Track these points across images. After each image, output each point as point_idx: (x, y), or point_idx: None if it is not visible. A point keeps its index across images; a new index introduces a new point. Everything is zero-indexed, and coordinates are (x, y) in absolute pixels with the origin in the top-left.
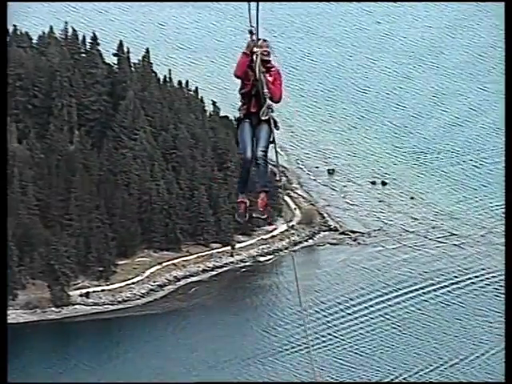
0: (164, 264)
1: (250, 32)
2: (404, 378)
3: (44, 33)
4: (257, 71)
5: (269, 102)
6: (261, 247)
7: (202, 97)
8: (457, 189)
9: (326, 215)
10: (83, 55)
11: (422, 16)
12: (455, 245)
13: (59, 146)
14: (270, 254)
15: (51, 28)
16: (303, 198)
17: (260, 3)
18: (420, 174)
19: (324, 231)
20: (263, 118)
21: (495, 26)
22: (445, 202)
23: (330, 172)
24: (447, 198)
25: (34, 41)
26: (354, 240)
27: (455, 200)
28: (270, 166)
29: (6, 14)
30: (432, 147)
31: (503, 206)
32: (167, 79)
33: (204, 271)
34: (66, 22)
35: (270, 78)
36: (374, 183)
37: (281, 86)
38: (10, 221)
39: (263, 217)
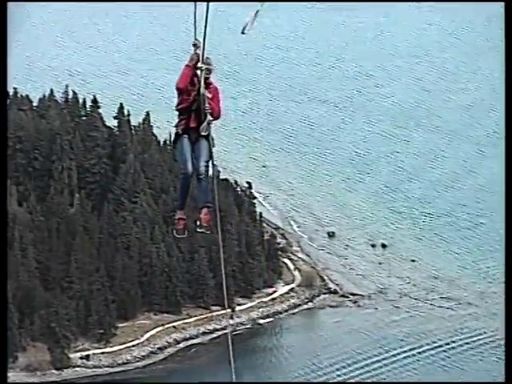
0: (164, 326)
1: (195, 45)
2: None
3: (44, 96)
4: (201, 86)
5: (209, 117)
6: (261, 310)
7: None
8: (454, 251)
9: (326, 278)
10: (84, 118)
11: (418, 77)
12: (451, 308)
13: (59, 209)
14: (270, 317)
15: (52, 91)
16: (303, 260)
17: (263, 64)
18: (418, 236)
19: (324, 294)
20: (203, 134)
21: (492, 90)
22: (442, 264)
23: (330, 235)
24: (444, 259)
25: (35, 104)
26: (354, 302)
27: (452, 262)
28: (272, 229)
29: (6, 15)
30: (427, 209)
31: (498, 268)
32: (167, 142)
33: (204, 334)
34: (67, 85)
35: (209, 95)
36: (373, 246)
37: (219, 103)
38: (11, 283)
39: (207, 232)
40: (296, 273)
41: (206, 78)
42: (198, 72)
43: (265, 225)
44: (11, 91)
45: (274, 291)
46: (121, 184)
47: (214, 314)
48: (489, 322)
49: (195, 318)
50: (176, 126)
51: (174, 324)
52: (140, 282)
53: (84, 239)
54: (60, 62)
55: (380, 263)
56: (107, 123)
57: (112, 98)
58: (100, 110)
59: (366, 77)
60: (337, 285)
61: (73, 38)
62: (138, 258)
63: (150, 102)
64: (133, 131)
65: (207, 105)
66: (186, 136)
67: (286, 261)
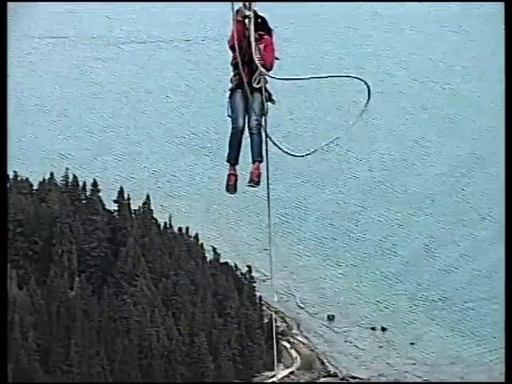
0: None
1: None
2: None
3: (44, 179)
4: (251, 35)
5: (261, 68)
6: None
7: (202, 243)
8: (453, 334)
9: (325, 361)
10: (84, 202)
11: (417, 164)
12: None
13: (59, 292)
14: None
15: (52, 174)
16: (303, 343)
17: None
18: (417, 319)
19: (324, 377)
20: (255, 86)
21: (490, 177)
22: (442, 345)
23: (330, 318)
24: (444, 341)
25: (35, 187)
26: None
27: (452, 344)
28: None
29: (5, 15)
30: (426, 294)
31: (498, 350)
32: (167, 226)
33: None
34: (67, 169)
35: (262, 46)
36: (373, 329)
37: (272, 53)
38: (11, 367)
39: (256, 186)
40: (296, 356)
41: (259, 29)
42: (246, 21)
43: (265, 308)
44: (11, 174)
45: (274, 375)
46: (121, 267)
47: None
48: None
49: None
50: (231, 82)
51: None
52: (140, 365)
53: (84, 322)
54: (57, 146)
55: (380, 346)
56: (107, 207)
57: (111, 182)
58: (100, 194)
59: (359, 162)
60: (336, 368)
61: (67, 122)
62: (138, 341)
63: (149, 186)
64: (133, 215)
65: (257, 55)
66: (239, 91)
67: (286, 344)
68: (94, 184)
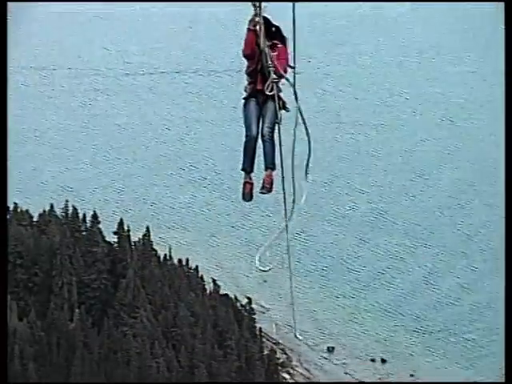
0: None
1: (254, 5)
2: None
3: (44, 211)
4: (261, 42)
5: (273, 75)
6: None
7: (202, 275)
8: (453, 366)
9: None
10: (84, 233)
11: (416, 195)
12: None
13: (60, 324)
14: None
15: (52, 206)
16: (303, 375)
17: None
18: (417, 351)
19: None
20: (268, 93)
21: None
22: (442, 377)
23: (330, 349)
24: (444, 373)
25: (35, 219)
26: None
27: (452, 375)
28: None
29: (5, 15)
30: (425, 325)
31: (498, 380)
32: (167, 257)
33: None
34: (67, 201)
35: (275, 54)
36: (373, 360)
37: (286, 60)
38: None
39: (268, 193)
40: None
41: (274, 38)
42: (257, 29)
43: (265, 340)
44: (11, 206)
45: None
46: (121, 299)
47: None
48: None
49: None
50: (245, 90)
51: None
52: None
53: (84, 354)
54: (57, 178)
55: (380, 378)
56: (107, 238)
57: (111, 214)
58: (100, 226)
59: (359, 194)
60: None
61: (67, 154)
62: (138, 373)
63: (148, 218)
64: (133, 247)
65: (269, 62)
66: (253, 99)
67: (286, 375)
68: (94, 216)
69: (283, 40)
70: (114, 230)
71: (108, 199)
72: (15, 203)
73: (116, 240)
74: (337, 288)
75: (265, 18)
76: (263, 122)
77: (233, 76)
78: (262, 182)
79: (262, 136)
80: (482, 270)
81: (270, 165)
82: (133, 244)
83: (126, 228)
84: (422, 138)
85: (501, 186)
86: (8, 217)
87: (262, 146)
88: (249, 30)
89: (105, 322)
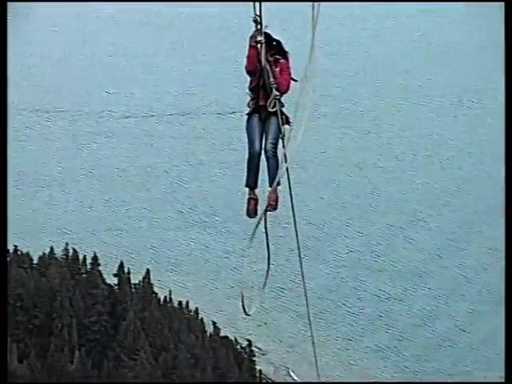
0: None
1: (255, 21)
2: None
3: (44, 253)
4: (262, 59)
5: (275, 92)
6: None
7: (202, 317)
8: None
9: None
10: (84, 276)
11: (414, 237)
12: None
13: (60, 366)
14: None
15: (52, 249)
16: None
17: None
18: None
19: None
20: (270, 110)
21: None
22: None
23: None
24: None
25: (35, 261)
26: None
27: None
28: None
29: (5, 15)
30: (422, 367)
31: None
32: (167, 300)
33: None
34: (67, 243)
35: (277, 70)
36: None
37: (288, 77)
38: None
39: (273, 210)
40: None
41: (276, 52)
42: (259, 46)
43: (264, 382)
44: (11, 248)
45: None
46: (121, 341)
47: None
48: None
49: None
50: (248, 106)
51: None
52: None
53: None
54: (56, 221)
55: None
56: (107, 281)
57: (111, 256)
58: (100, 268)
59: (359, 236)
60: None
61: (66, 197)
62: None
63: (148, 260)
64: (133, 289)
65: (272, 79)
66: (256, 115)
67: None
68: (94, 258)
69: (285, 54)
70: (115, 272)
71: (108, 242)
72: (15, 246)
73: (116, 282)
74: (334, 331)
75: (265, 33)
76: (266, 138)
77: (238, 118)
78: (267, 199)
79: (266, 152)
80: (480, 311)
81: (274, 181)
82: (133, 286)
83: (126, 270)
84: (421, 179)
85: (501, 228)
86: (8, 259)
87: (265, 162)
88: (250, 46)
89: (105, 364)
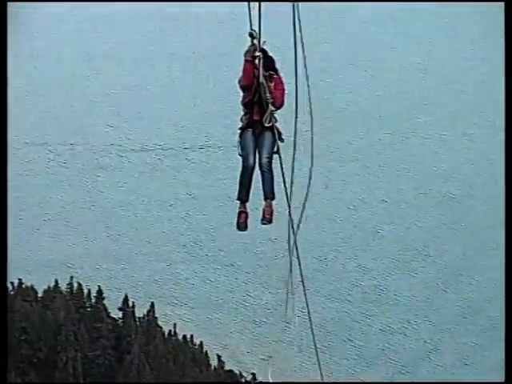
0: None
1: (251, 35)
2: None
3: (49, 287)
4: (260, 75)
5: (271, 107)
6: None
7: (206, 351)
8: None
9: None
10: (88, 309)
11: (418, 271)
12: None
13: None
14: None
15: (56, 282)
16: None
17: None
18: None
19: None
20: (266, 125)
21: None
22: None
23: None
24: None
25: (40, 294)
26: None
27: None
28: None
29: (5, 15)
30: None
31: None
32: (172, 333)
33: None
34: (72, 277)
35: (272, 85)
36: None
37: (283, 92)
38: None
39: (269, 223)
40: None
41: (269, 68)
42: (256, 61)
43: None
44: (16, 282)
45: None
46: (125, 375)
47: None
48: None
49: None
50: (241, 121)
51: None
52: None
53: None
54: (60, 254)
55: None
56: (112, 314)
57: (116, 290)
58: (104, 302)
59: (363, 271)
60: None
61: (69, 230)
62: None
63: (152, 293)
64: (137, 322)
65: (268, 94)
66: (249, 130)
67: None
68: (99, 292)
69: (276, 71)
70: (119, 306)
71: (112, 275)
72: (19, 279)
73: (121, 316)
74: (338, 366)
75: (261, 49)
76: (261, 152)
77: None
78: (261, 212)
79: (261, 166)
80: (482, 343)
81: (269, 195)
82: (137, 320)
83: (130, 304)
84: (424, 214)
85: (502, 262)
86: (13, 293)
87: (260, 177)
88: (246, 60)
89: None
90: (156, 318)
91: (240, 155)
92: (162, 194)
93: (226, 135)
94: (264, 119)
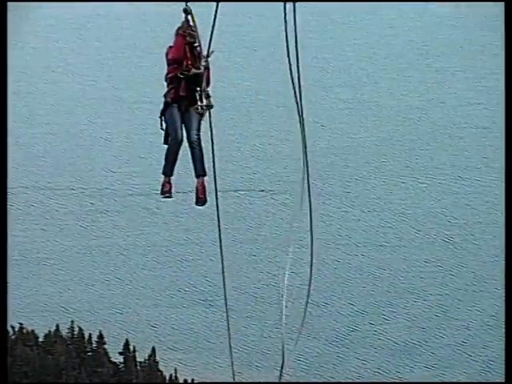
0: None
1: (185, 11)
2: None
3: (50, 331)
4: (202, 63)
5: (205, 101)
6: None
7: None
8: None
9: None
10: (89, 354)
11: (416, 315)
12: None
13: None
14: None
15: (57, 327)
16: None
17: None
18: None
19: None
20: (200, 112)
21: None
22: None
23: None
24: None
25: (40, 339)
26: None
27: None
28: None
29: (5, 15)
30: None
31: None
32: (173, 378)
33: None
34: (72, 321)
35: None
36: None
37: (209, 74)
38: None
39: (204, 204)
40: None
41: (198, 51)
42: (188, 39)
43: None
44: (17, 326)
45: None
46: None
47: None
48: None
49: None
50: (164, 96)
51: None
52: None
53: None
54: (59, 299)
55: None
56: (113, 359)
57: (117, 335)
58: (105, 346)
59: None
60: None
61: (68, 275)
62: None
63: (152, 338)
64: (138, 367)
65: (208, 89)
66: (174, 106)
67: None
68: (100, 336)
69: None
70: (120, 350)
71: (112, 320)
72: (20, 323)
73: (122, 361)
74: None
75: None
76: (189, 129)
77: (241, 197)
78: (195, 191)
79: (191, 143)
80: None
81: (201, 172)
82: (138, 365)
83: (131, 349)
84: (423, 257)
85: (501, 303)
86: (13, 337)
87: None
88: (178, 34)
89: None
90: (157, 362)
91: (163, 130)
92: (161, 238)
93: (225, 180)
94: (197, 108)
